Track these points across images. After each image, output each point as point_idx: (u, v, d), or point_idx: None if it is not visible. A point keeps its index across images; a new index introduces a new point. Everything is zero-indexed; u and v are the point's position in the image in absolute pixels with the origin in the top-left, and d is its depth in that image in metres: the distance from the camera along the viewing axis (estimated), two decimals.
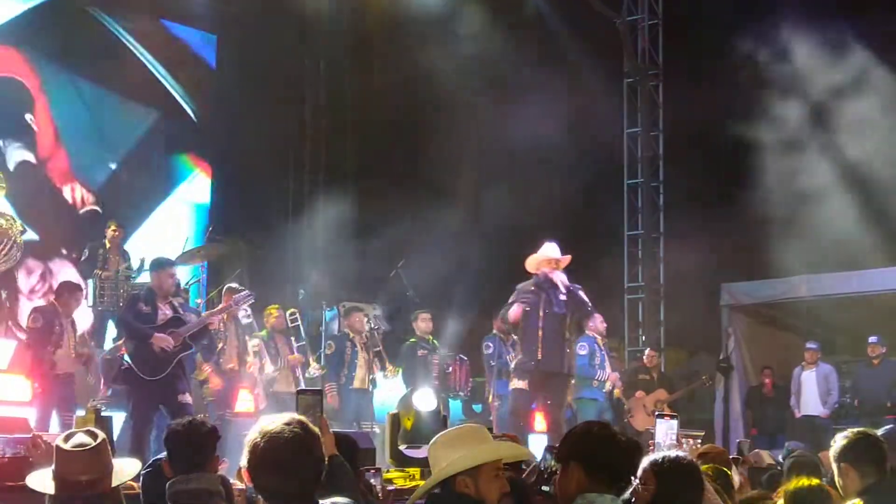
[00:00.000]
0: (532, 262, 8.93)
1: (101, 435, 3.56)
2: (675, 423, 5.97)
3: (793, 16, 12.53)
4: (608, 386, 11.01)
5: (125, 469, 3.66)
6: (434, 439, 3.36)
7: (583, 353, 10.85)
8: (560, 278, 8.76)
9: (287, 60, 14.61)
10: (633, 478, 3.28)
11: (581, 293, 8.91)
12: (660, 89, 15.41)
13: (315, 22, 14.56)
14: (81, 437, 3.54)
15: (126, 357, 7.27)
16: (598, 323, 11.09)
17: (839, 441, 4.21)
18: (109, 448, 3.59)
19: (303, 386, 9.73)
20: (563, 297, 8.65)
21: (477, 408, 11.41)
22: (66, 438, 3.57)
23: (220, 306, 8.23)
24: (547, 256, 8.85)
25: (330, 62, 15.26)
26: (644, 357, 12.83)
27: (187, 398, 7.43)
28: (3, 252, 8.71)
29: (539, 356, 8.64)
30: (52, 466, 3.54)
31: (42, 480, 3.56)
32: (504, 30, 14.26)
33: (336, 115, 15.32)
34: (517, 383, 8.91)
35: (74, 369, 8.62)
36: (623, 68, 15.52)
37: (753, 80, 13.06)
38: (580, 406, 10.89)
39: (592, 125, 15.16)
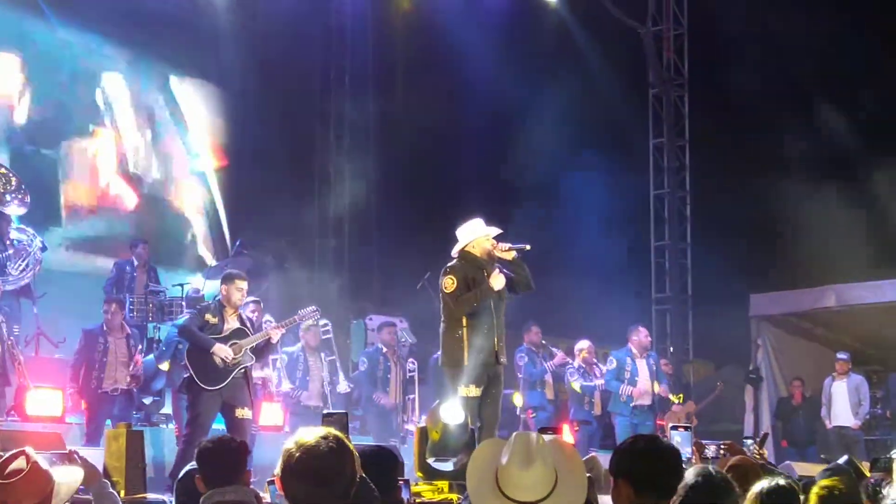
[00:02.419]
0: (475, 246, 7.19)
1: (34, 457, 3.54)
2: (689, 434, 6.22)
3: None
4: (633, 401, 10.64)
5: (62, 491, 3.58)
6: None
7: (611, 367, 10.62)
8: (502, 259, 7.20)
9: None
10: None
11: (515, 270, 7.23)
12: (685, 99, 15.37)
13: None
14: (17, 464, 3.50)
15: (189, 366, 7.33)
16: (642, 337, 10.68)
17: None
18: (45, 468, 3.54)
19: (330, 401, 9.76)
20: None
21: None
22: (2, 468, 3.52)
23: (286, 320, 8.16)
24: (486, 234, 7.21)
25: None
26: None
27: (246, 413, 7.32)
28: (22, 267, 8.79)
29: (503, 353, 7.21)
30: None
31: None
32: (528, 40, 14.28)
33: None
34: (474, 390, 7.10)
35: (128, 385, 8.69)
36: (648, 78, 15.51)
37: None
38: (617, 421, 10.66)
39: (618, 135, 15.16)
